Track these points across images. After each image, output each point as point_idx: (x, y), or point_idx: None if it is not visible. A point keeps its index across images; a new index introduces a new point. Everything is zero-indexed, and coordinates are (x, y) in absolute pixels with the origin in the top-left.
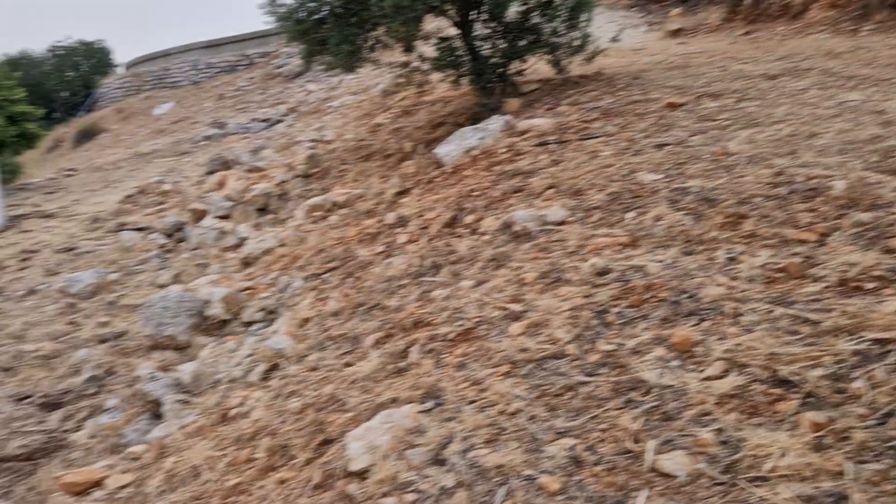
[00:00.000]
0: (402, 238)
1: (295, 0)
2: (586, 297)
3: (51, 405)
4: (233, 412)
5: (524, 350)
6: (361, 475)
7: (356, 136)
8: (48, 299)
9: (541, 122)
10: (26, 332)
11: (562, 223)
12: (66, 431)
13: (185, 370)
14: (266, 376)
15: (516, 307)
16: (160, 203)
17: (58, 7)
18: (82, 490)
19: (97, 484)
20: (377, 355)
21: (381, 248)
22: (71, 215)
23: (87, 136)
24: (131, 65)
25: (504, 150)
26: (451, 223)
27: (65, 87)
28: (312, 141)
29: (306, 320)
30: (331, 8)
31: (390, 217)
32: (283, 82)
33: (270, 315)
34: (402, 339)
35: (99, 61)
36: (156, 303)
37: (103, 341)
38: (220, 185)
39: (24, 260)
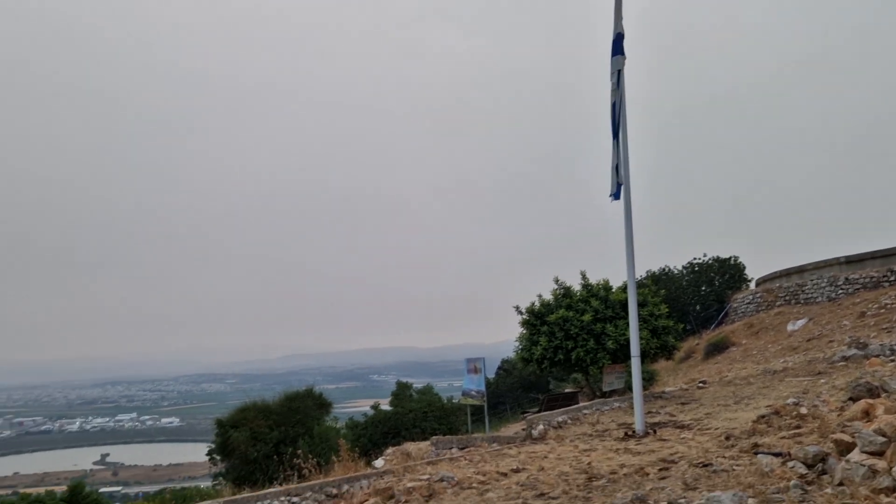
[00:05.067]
0: None
1: None
2: None
3: None
4: None
5: None
6: None
7: None
8: None
9: None
10: None
11: None
12: None
13: None
14: None
15: None
16: (796, 427)
17: (697, 229)
18: None
19: None
20: None
21: None
22: (704, 428)
23: (717, 348)
24: (762, 280)
25: None
26: None
27: (698, 300)
28: None
29: None
30: None
31: None
32: None
33: None
34: None
35: (731, 277)
36: None
37: None
38: (866, 414)
39: (663, 469)
